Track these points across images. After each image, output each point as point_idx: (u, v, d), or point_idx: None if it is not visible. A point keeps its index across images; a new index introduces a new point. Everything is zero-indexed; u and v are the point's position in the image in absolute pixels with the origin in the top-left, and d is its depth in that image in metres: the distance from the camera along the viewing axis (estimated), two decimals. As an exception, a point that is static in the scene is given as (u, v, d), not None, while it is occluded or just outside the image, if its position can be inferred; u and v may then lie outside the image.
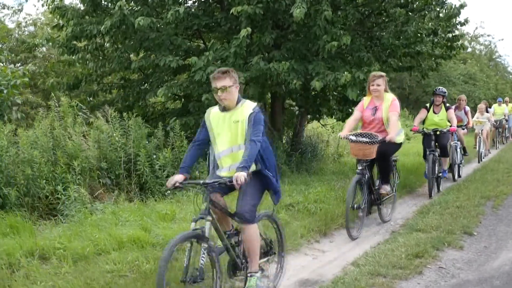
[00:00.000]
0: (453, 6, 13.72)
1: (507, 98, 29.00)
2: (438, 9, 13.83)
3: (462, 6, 13.80)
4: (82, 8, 13.31)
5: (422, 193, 12.61)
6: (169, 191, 10.54)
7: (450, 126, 12.63)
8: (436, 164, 12.57)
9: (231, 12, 11.46)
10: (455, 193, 12.21)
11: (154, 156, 10.98)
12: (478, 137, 19.16)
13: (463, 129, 15.07)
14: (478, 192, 12.12)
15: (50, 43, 13.67)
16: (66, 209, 8.86)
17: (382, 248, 8.04)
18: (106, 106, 12.39)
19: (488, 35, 72.55)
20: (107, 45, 13.88)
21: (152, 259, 6.91)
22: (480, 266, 7.39)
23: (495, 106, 26.47)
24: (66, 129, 10.78)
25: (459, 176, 15.08)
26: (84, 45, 13.51)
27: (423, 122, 13.13)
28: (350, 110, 15.62)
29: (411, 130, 13.55)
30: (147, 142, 11.27)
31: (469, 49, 47.74)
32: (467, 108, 15.95)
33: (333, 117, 15.92)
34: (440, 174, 12.98)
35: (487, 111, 21.72)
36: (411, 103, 38.72)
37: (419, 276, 6.94)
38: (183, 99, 13.75)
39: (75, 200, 8.99)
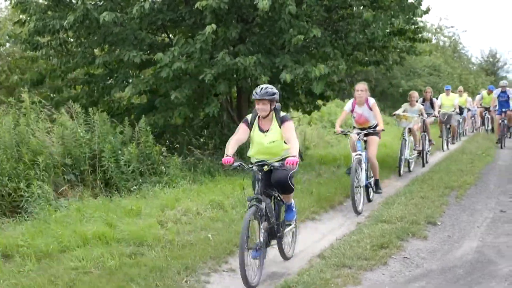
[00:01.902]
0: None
1: (461, 88, 25.22)
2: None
3: None
4: (45, 2, 13.12)
5: (387, 185, 12.69)
6: (134, 187, 10.51)
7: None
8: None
9: (195, 6, 11.41)
10: (420, 183, 12.34)
11: (120, 152, 10.91)
12: (403, 137, 14.43)
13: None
14: (442, 182, 12.26)
15: (13, 39, 13.46)
16: (29, 206, 8.78)
17: (347, 239, 8.11)
18: (70, 102, 12.27)
19: (452, 27, 73.19)
20: (71, 40, 13.74)
21: (117, 255, 6.88)
22: (444, 256, 7.50)
23: (442, 96, 21.01)
24: (29, 126, 10.65)
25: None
26: (48, 41, 13.33)
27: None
28: (317, 104, 15.75)
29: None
30: (112, 137, 11.19)
31: (434, 41, 48.15)
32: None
33: (299, 110, 16.01)
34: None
35: (432, 102, 17.12)
36: (377, 95, 38.95)
37: (384, 266, 7.03)
38: (148, 94, 13.67)
39: (39, 197, 8.91)
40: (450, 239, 8.28)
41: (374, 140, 10.80)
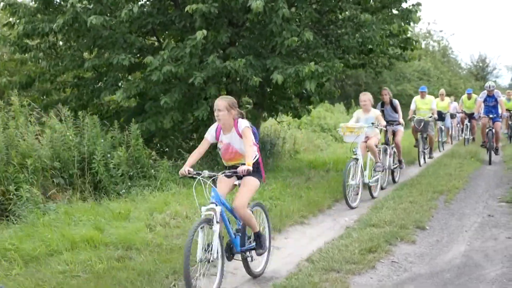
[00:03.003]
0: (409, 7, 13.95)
1: (442, 91, 22.43)
2: (394, 10, 14.06)
3: (419, 4, 14.01)
4: (34, 5, 13.08)
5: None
6: (123, 190, 10.50)
7: None
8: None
9: (185, 10, 11.42)
10: (409, 188, 12.37)
11: (109, 155, 10.89)
12: (352, 157, 11.15)
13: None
14: (430, 186, 12.29)
15: (2, 42, 13.40)
16: (18, 209, 8.75)
17: (336, 243, 8.10)
18: (59, 105, 12.25)
19: (440, 31, 73.59)
20: (60, 43, 13.72)
21: (105, 258, 6.87)
22: (432, 260, 7.50)
23: (416, 99, 17.69)
24: (18, 129, 10.62)
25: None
26: (37, 44, 13.33)
27: None
28: (307, 107, 15.78)
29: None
30: (102, 141, 11.17)
31: (423, 46, 48.38)
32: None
33: (289, 114, 16.00)
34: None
35: (393, 105, 14.38)
36: (367, 99, 38.95)
37: (372, 270, 7.02)
38: (137, 97, 13.65)
39: (27, 200, 8.90)
40: (438, 243, 8.29)
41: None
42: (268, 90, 13.83)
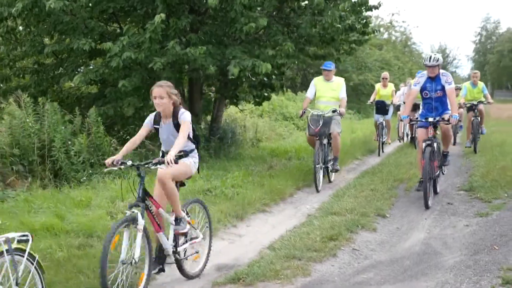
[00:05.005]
0: None
1: (385, 74, 18.29)
2: None
3: None
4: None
5: (338, 177, 12.80)
6: (84, 178, 10.40)
7: None
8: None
9: (147, -5, 11.34)
10: (370, 176, 12.51)
11: (70, 142, 10.77)
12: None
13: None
14: (391, 175, 12.44)
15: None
16: (-25, 196, 8.63)
17: (297, 231, 8.16)
18: (19, 91, 12.06)
19: (404, 22, 74.28)
20: (20, 28, 13.47)
21: (66, 246, 6.82)
22: (392, 247, 7.61)
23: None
24: (-25, 115, 10.46)
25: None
26: (-5, 28, 13.06)
27: None
28: (266, 94, 15.74)
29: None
30: (62, 127, 11.03)
31: (385, 36, 48.81)
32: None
33: (251, 102, 16.00)
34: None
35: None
36: (329, 88, 39.19)
37: (333, 258, 7.09)
38: (99, 84, 13.50)
39: (-15, 187, 8.77)
40: (398, 231, 8.40)
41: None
42: (230, 77, 13.79)
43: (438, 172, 10.57)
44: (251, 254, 7.29)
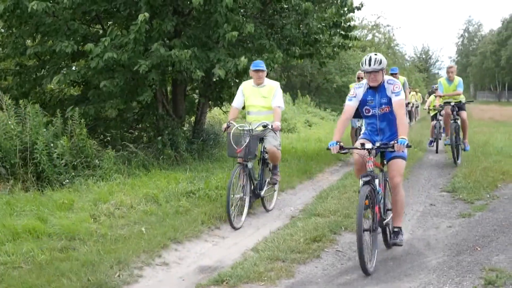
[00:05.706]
0: None
1: (360, 73, 15.04)
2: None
3: None
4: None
5: (321, 179, 12.84)
6: (67, 180, 10.35)
7: None
8: None
9: (130, -4, 11.30)
10: (353, 177, 12.49)
11: (52, 145, 10.71)
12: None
13: None
14: (374, 176, 12.45)
15: None
16: (-44, 199, 8.55)
17: (281, 233, 8.16)
18: (0, 93, 11.96)
19: (388, 25, 74.68)
20: (1, 29, 13.38)
21: (48, 249, 6.78)
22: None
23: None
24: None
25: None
26: (-24, 30, 12.99)
27: None
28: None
29: None
30: (44, 130, 10.96)
31: (369, 37, 48.99)
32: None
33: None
34: None
35: None
36: (312, 90, 39.42)
37: (317, 259, 7.11)
38: (82, 86, 13.43)
39: (-34, 190, 8.69)
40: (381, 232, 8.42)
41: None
42: (214, 79, 13.77)
43: (387, 218, 7.54)
44: (234, 256, 7.28)
